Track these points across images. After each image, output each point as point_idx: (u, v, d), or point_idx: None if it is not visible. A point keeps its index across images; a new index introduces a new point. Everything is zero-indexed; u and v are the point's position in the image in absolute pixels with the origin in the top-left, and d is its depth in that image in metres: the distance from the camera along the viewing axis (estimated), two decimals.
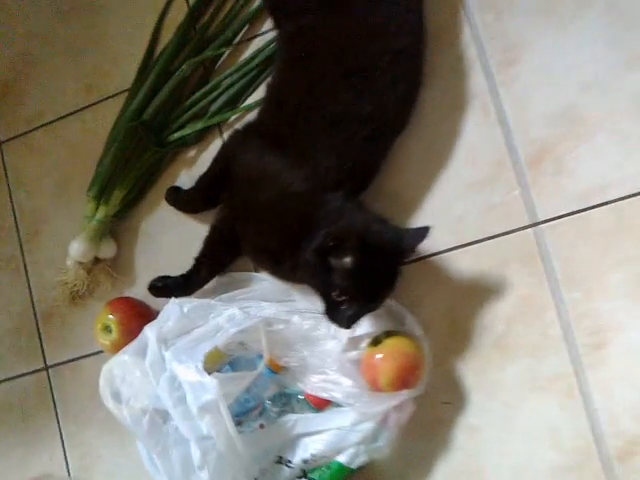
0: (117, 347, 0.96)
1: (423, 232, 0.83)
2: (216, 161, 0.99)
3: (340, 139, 0.88)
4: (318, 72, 0.90)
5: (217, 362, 0.91)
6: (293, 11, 0.94)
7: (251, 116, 1.03)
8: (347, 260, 0.79)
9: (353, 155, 0.89)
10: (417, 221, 0.96)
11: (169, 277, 0.99)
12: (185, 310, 0.92)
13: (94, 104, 1.14)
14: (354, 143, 0.89)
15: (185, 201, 1.03)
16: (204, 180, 1.00)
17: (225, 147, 1.00)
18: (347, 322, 0.81)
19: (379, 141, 0.92)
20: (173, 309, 0.93)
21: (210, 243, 0.98)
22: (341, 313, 0.81)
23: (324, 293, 0.82)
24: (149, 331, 0.91)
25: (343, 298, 0.80)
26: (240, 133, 0.97)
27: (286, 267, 0.88)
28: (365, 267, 0.79)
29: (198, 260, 0.98)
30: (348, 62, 0.89)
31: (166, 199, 1.05)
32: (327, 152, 0.88)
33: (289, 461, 0.92)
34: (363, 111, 0.88)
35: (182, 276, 0.98)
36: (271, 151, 0.90)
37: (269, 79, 0.99)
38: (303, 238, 0.83)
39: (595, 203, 0.90)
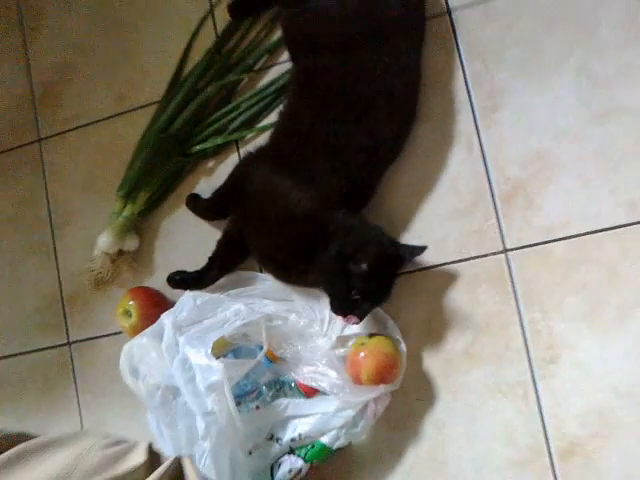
0: (135, 330, 1.08)
1: (420, 249, 0.98)
2: (230, 178, 1.09)
3: (341, 165, 1.00)
4: (324, 105, 1.01)
5: (223, 349, 1.03)
6: (307, 49, 1.05)
7: (264, 137, 1.12)
8: (364, 265, 0.94)
9: (352, 179, 1.01)
10: (405, 239, 1.06)
11: (185, 272, 1.11)
12: (198, 302, 1.03)
13: (125, 112, 1.24)
14: (353, 168, 1.01)
15: (202, 209, 1.14)
16: (219, 193, 1.10)
17: (239, 167, 1.09)
18: (362, 315, 0.97)
19: (375, 168, 1.04)
20: (187, 301, 1.04)
21: (222, 246, 1.10)
22: (357, 308, 0.96)
23: (340, 293, 0.96)
24: (166, 318, 1.03)
25: (358, 297, 0.95)
26: (253, 155, 1.07)
27: (293, 273, 1.01)
28: (377, 272, 0.95)
29: (211, 260, 1.10)
30: (351, 98, 1.00)
31: (186, 204, 1.15)
32: (330, 175, 0.99)
33: (279, 439, 1.01)
34: (361, 142, 1.00)
35: (197, 272, 1.10)
36: (281, 173, 1.01)
37: (281, 107, 1.08)
38: (312, 249, 0.97)
39: (557, 237, 1.01)
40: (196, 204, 1.14)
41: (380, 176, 1.05)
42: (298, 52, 1.08)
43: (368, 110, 1.01)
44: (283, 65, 1.16)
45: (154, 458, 0.69)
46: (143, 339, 1.03)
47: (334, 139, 1.01)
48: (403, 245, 1.00)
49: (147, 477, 0.65)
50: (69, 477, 0.62)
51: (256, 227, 1.04)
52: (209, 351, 0.96)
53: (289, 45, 1.10)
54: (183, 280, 1.10)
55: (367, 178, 1.04)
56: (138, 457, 0.67)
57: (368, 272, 0.94)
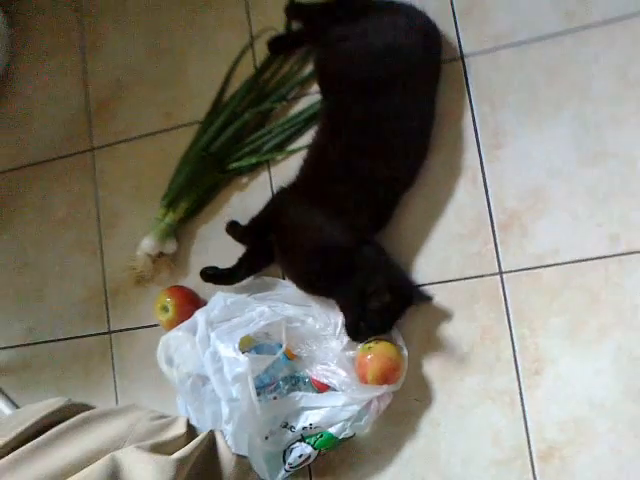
0: (171, 324, 1.19)
1: (428, 298, 1.11)
2: (266, 210, 1.18)
3: (365, 196, 1.11)
4: (350, 140, 1.11)
5: (247, 345, 1.13)
6: (336, 87, 1.15)
7: (294, 158, 1.23)
8: (379, 305, 1.06)
9: (374, 208, 1.13)
10: (413, 258, 1.17)
11: (217, 268, 1.22)
12: (228, 303, 1.14)
13: (171, 129, 1.34)
14: (375, 199, 1.12)
15: (240, 235, 1.22)
16: (255, 222, 1.19)
17: (274, 201, 1.18)
18: (364, 340, 1.10)
19: (393, 196, 1.15)
20: (219, 300, 1.15)
21: (251, 251, 1.22)
22: (362, 335, 1.09)
23: (353, 322, 1.09)
24: (199, 315, 1.13)
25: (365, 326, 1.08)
26: (286, 190, 1.16)
27: (316, 290, 1.13)
28: (388, 311, 1.08)
29: (241, 260, 1.21)
30: (374, 134, 1.11)
31: (226, 231, 1.24)
32: (356, 206, 1.10)
33: (292, 427, 1.11)
34: (383, 174, 1.11)
35: (227, 269, 1.21)
36: (312, 206, 1.11)
37: (311, 141, 1.17)
38: (337, 275, 1.08)
39: (547, 263, 1.10)
40: (235, 230, 1.23)
41: (397, 203, 1.16)
42: (328, 89, 1.18)
43: (389, 145, 1.11)
44: (312, 96, 1.25)
45: (192, 430, 0.82)
46: (179, 332, 1.13)
47: (359, 172, 1.10)
48: (416, 289, 1.12)
49: (187, 445, 0.78)
50: (124, 440, 0.75)
51: (288, 252, 1.14)
52: (236, 346, 1.06)
53: (320, 82, 1.20)
54: (214, 275, 1.21)
55: (387, 206, 1.15)
56: (179, 428, 0.80)
57: (381, 311, 1.07)
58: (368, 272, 1.08)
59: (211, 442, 0.79)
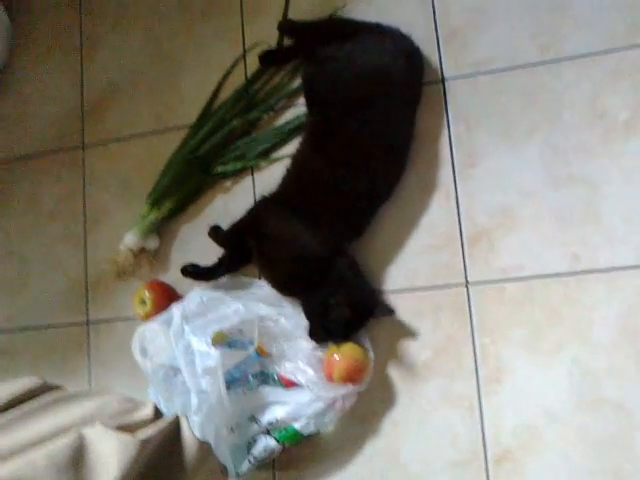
0: (148, 317, 1.22)
1: (390, 311, 1.16)
2: (247, 218, 1.21)
3: (344, 208, 1.15)
4: (332, 154, 1.15)
5: (220, 341, 1.14)
6: (322, 102, 1.19)
7: (277, 165, 1.27)
8: (342, 317, 1.12)
9: (353, 220, 1.17)
10: (385, 265, 1.21)
11: (197, 265, 1.26)
12: (204, 299, 1.18)
13: (160, 132, 1.38)
14: (354, 211, 1.17)
15: (221, 240, 1.25)
16: (236, 229, 1.22)
17: (256, 210, 1.21)
18: (320, 342, 1.15)
19: (371, 209, 1.19)
20: (195, 296, 1.19)
21: (231, 253, 1.26)
22: (322, 340, 1.15)
23: (316, 328, 1.14)
24: (176, 309, 1.17)
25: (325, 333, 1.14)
26: (267, 200, 1.19)
27: (289, 293, 1.18)
28: (350, 323, 1.13)
29: (220, 260, 1.25)
30: (356, 149, 1.15)
31: (209, 234, 1.27)
32: (334, 218, 1.15)
33: (259, 420, 1.14)
34: (363, 188, 1.15)
35: (207, 267, 1.25)
36: (291, 217, 1.15)
37: (294, 153, 1.21)
38: (310, 282, 1.13)
39: (511, 277, 1.15)
40: (217, 234, 1.26)
41: (374, 214, 1.20)
42: (314, 104, 1.22)
43: (370, 160, 1.15)
44: (299, 108, 1.30)
45: (158, 414, 0.85)
46: (154, 324, 1.16)
47: (340, 185, 1.15)
48: (380, 303, 1.17)
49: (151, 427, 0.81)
50: (94, 418, 0.79)
51: (266, 257, 1.18)
52: (209, 340, 1.10)
53: (307, 97, 1.24)
54: (194, 272, 1.26)
55: (364, 218, 1.19)
56: (147, 411, 0.84)
57: (344, 323, 1.13)
58: (335, 284, 1.13)
59: (176, 426, 0.82)
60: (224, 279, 1.26)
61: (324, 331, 1.14)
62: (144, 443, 0.73)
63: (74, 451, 0.67)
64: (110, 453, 0.68)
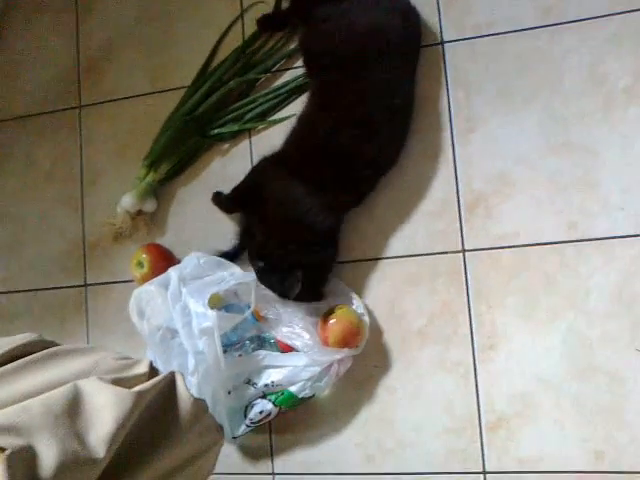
0: (145, 279, 1.23)
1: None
2: (249, 180, 1.21)
3: (349, 175, 1.14)
4: (335, 118, 1.14)
5: (217, 304, 1.16)
6: (321, 66, 1.18)
7: (274, 128, 1.27)
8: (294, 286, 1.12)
9: (357, 187, 1.17)
10: (382, 232, 1.21)
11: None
12: (201, 262, 1.18)
13: (157, 92, 1.37)
14: (358, 178, 1.16)
15: (224, 205, 1.26)
16: (238, 192, 1.23)
17: (258, 171, 1.21)
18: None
19: (375, 177, 1.19)
20: (192, 259, 1.19)
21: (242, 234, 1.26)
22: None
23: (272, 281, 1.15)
24: (173, 271, 1.17)
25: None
26: (269, 161, 1.18)
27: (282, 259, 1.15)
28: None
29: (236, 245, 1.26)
30: (359, 113, 1.14)
31: (212, 200, 1.27)
32: (339, 185, 1.14)
33: (255, 383, 1.16)
34: (367, 153, 1.14)
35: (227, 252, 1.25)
36: (294, 180, 1.14)
37: (298, 115, 1.20)
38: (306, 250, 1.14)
39: (507, 244, 1.15)
40: (220, 200, 1.27)
41: (377, 183, 1.20)
42: (313, 68, 1.21)
43: (373, 124, 1.14)
44: (296, 70, 1.29)
45: (154, 371, 0.86)
46: (151, 286, 1.17)
47: (344, 150, 1.14)
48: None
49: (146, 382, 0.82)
50: (90, 373, 0.79)
51: (264, 221, 1.17)
52: (206, 302, 1.10)
53: (305, 61, 1.23)
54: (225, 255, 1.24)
55: (368, 186, 1.19)
56: (142, 368, 0.84)
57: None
58: (304, 260, 1.13)
59: (171, 382, 0.83)
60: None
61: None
62: (139, 396, 0.74)
63: (70, 401, 0.68)
64: (105, 404, 0.69)
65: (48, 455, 0.58)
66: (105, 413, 0.67)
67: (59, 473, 0.57)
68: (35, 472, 0.56)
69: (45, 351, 0.82)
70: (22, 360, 0.77)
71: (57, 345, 0.87)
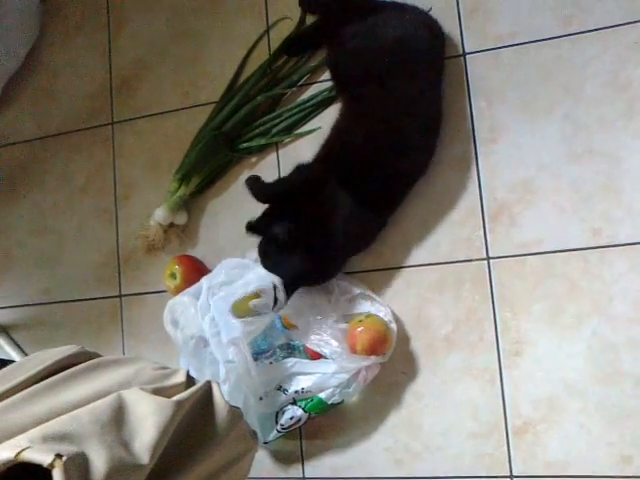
0: (178, 290, 1.25)
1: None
2: (300, 181, 1.19)
3: (387, 187, 1.17)
4: (370, 133, 1.15)
5: (246, 313, 1.16)
6: (350, 85, 1.20)
7: (302, 140, 1.31)
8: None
9: (393, 197, 1.20)
10: (407, 240, 1.23)
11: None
12: (230, 267, 1.20)
13: (187, 108, 1.41)
14: (394, 190, 1.19)
15: (263, 193, 1.22)
16: (285, 189, 1.20)
17: (309, 175, 1.18)
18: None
19: (407, 187, 1.21)
20: (221, 268, 1.21)
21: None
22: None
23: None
24: (204, 281, 1.19)
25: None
26: (321, 167, 1.17)
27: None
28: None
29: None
30: (388, 128, 1.15)
31: (246, 182, 1.22)
32: (378, 196, 1.17)
33: (286, 390, 1.17)
34: (401, 166, 1.17)
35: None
36: (343, 190, 1.15)
37: (335, 125, 1.20)
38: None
39: (531, 252, 1.16)
40: (257, 186, 1.22)
41: (409, 191, 1.22)
42: (342, 84, 1.23)
43: (405, 136, 1.16)
44: (321, 84, 1.32)
45: (191, 380, 0.90)
46: (184, 297, 1.20)
47: (377, 163, 1.16)
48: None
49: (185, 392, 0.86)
50: (131, 383, 0.83)
51: (307, 220, 1.16)
52: (231, 310, 1.13)
53: (334, 78, 1.25)
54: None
55: (400, 196, 1.22)
56: (180, 377, 0.88)
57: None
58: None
59: (207, 391, 0.86)
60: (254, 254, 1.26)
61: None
62: (179, 405, 0.77)
63: (115, 410, 0.71)
64: (148, 413, 0.72)
65: (98, 461, 0.62)
66: (148, 422, 0.71)
67: (108, 478, 0.61)
68: (88, 477, 0.60)
69: (89, 362, 0.86)
70: (69, 371, 0.81)
71: (99, 356, 0.91)
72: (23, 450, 0.58)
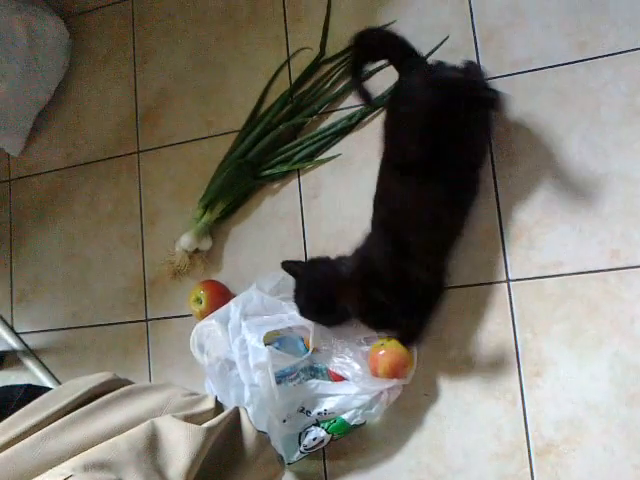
0: (203, 314, 1.29)
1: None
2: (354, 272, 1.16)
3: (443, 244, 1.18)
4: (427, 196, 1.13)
5: (271, 338, 1.22)
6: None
7: (322, 168, 1.34)
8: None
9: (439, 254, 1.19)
10: None
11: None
12: (264, 302, 1.23)
13: (211, 137, 1.45)
14: (443, 245, 1.19)
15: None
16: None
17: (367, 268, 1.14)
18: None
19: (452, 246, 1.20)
20: (255, 296, 1.23)
21: None
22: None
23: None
24: (234, 306, 1.22)
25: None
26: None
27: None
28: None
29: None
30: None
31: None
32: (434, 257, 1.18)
33: (309, 412, 1.19)
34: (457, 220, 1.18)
35: None
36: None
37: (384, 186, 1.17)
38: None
39: (551, 274, 1.17)
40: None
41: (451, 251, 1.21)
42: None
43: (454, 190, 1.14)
44: (342, 112, 1.35)
45: (219, 406, 0.93)
46: (212, 320, 1.23)
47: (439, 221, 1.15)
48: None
49: (214, 418, 0.89)
50: (162, 410, 0.87)
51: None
52: (261, 338, 1.16)
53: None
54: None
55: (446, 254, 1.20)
56: (209, 404, 0.91)
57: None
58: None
59: (236, 417, 0.89)
60: (281, 279, 1.28)
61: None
62: (209, 432, 0.80)
63: (149, 438, 0.74)
64: (180, 441, 0.75)
65: None
66: (180, 449, 0.74)
67: None
68: None
69: (121, 390, 0.90)
70: (102, 399, 0.85)
71: (130, 383, 0.95)
72: (66, 479, 0.61)
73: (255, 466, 0.86)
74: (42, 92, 1.58)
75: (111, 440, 0.72)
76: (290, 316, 1.20)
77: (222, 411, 0.92)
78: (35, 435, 0.75)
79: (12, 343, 1.57)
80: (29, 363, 1.54)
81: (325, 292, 1.17)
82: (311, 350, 1.19)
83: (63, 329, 1.55)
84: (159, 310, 1.46)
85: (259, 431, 0.90)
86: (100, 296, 1.52)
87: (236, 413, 0.90)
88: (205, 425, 0.82)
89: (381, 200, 1.19)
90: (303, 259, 1.34)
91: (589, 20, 1.23)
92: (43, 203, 1.62)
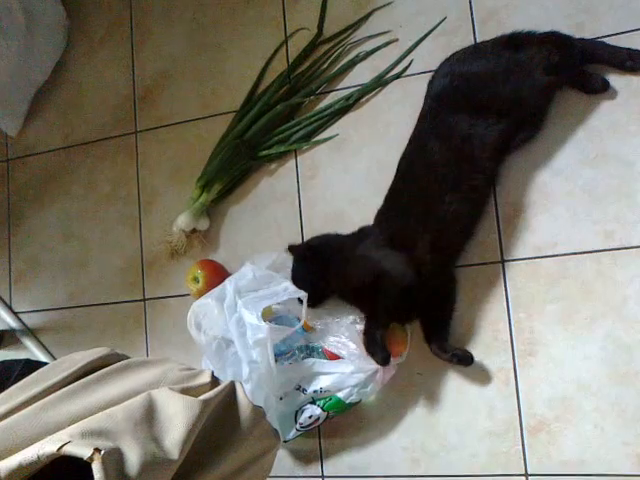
0: (200, 293, 1.30)
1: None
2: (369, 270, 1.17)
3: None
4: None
5: (268, 315, 1.23)
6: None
7: (318, 148, 1.34)
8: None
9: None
10: None
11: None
12: (257, 275, 1.23)
13: (208, 117, 1.46)
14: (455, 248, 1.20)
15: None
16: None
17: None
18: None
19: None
20: (248, 272, 1.24)
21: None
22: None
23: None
24: (229, 284, 1.22)
25: None
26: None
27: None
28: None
29: None
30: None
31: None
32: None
33: (305, 389, 1.21)
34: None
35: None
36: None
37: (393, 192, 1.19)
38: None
39: (545, 254, 1.18)
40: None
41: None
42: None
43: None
44: (339, 92, 1.36)
45: (215, 381, 0.93)
46: (208, 299, 1.24)
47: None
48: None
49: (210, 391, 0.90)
50: (160, 383, 0.87)
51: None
52: (259, 314, 1.16)
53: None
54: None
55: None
56: (205, 378, 0.92)
57: None
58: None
59: (232, 390, 0.90)
60: (275, 258, 1.29)
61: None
62: (205, 404, 0.81)
63: (147, 409, 0.76)
64: (177, 412, 0.76)
65: (132, 456, 0.66)
66: (177, 419, 0.75)
67: (142, 472, 0.65)
68: (123, 471, 0.64)
69: (119, 363, 0.91)
70: (101, 372, 0.86)
71: (128, 358, 0.96)
72: (64, 444, 0.62)
73: (251, 438, 0.87)
74: (39, 72, 1.58)
75: (108, 410, 0.74)
76: (284, 288, 1.20)
77: (218, 385, 0.93)
78: (34, 405, 0.77)
79: (11, 322, 1.58)
80: (28, 342, 1.56)
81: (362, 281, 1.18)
82: (302, 322, 1.20)
83: (61, 308, 1.56)
84: (157, 290, 1.47)
85: (255, 405, 0.91)
86: (98, 276, 1.53)
87: (232, 387, 0.91)
88: (201, 397, 0.83)
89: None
90: (300, 239, 1.35)
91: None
92: (41, 183, 1.62)
